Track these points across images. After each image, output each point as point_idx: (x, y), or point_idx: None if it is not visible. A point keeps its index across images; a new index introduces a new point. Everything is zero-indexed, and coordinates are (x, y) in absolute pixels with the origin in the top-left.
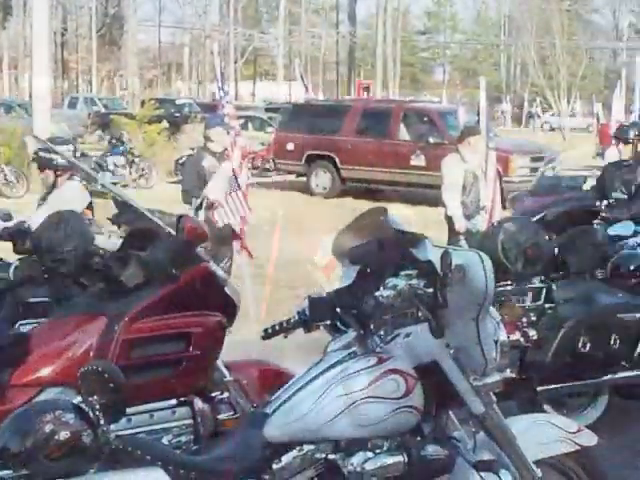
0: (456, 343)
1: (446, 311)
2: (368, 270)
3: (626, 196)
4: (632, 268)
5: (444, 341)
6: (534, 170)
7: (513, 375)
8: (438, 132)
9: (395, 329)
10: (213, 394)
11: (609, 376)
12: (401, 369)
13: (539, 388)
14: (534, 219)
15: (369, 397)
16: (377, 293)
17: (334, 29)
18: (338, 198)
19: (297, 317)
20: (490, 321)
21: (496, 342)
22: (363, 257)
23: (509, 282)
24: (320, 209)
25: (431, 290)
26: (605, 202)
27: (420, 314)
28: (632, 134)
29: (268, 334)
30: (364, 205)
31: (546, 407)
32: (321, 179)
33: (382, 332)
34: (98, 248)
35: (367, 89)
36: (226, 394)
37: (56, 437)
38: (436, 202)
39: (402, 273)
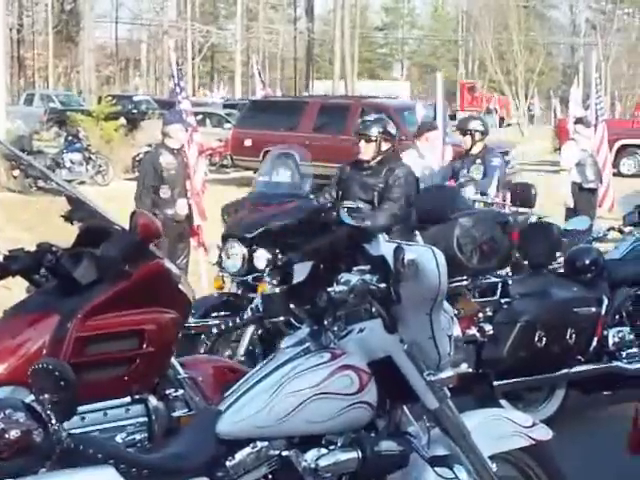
0: (410, 338)
1: (399, 306)
2: (321, 266)
3: (362, 204)
4: (587, 262)
5: (398, 336)
6: None
7: (469, 370)
8: (396, 128)
9: (349, 325)
10: (167, 391)
11: (565, 370)
12: (355, 365)
13: (495, 383)
14: (250, 236)
15: (322, 393)
16: (330, 289)
17: (292, 25)
18: None
19: (250, 313)
20: (444, 316)
21: (450, 337)
22: (316, 253)
23: (465, 277)
24: None
25: (384, 286)
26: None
27: (373, 310)
28: (375, 131)
29: (222, 330)
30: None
31: (503, 402)
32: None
33: (336, 328)
34: (50, 245)
35: (472, 89)
36: (181, 391)
37: (6, 436)
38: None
39: (355, 269)
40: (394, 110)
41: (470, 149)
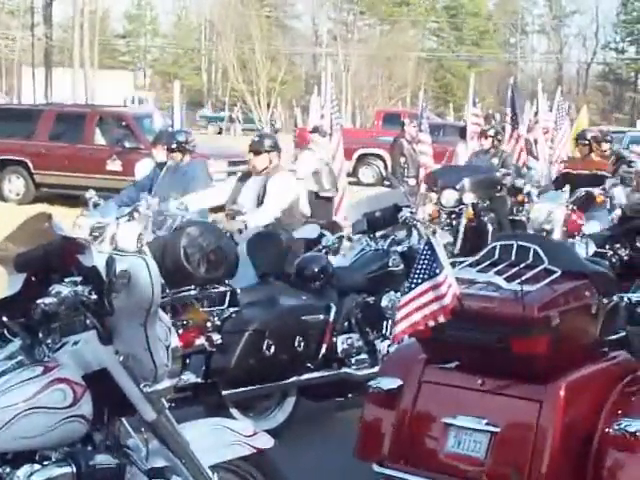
0: (125, 349)
1: (113, 317)
2: (34, 278)
3: None
4: (316, 270)
5: (113, 348)
6: (232, 174)
7: (199, 380)
8: (134, 137)
9: (64, 337)
10: None
11: (295, 378)
12: (68, 378)
13: (224, 392)
14: None
15: (34, 408)
16: (39, 301)
17: (29, 31)
18: (32, 204)
19: None
20: (160, 326)
21: (168, 348)
22: (28, 264)
23: (193, 287)
24: (13, 216)
25: (96, 297)
26: None
27: (88, 321)
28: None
29: None
30: (60, 211)
31: (234, 411)
32: (14, 185)
33: (50, 341)
34: None
35: None
36: None
37: None
38: None
39: (67, 280)
40: (133, 119)
41: None
